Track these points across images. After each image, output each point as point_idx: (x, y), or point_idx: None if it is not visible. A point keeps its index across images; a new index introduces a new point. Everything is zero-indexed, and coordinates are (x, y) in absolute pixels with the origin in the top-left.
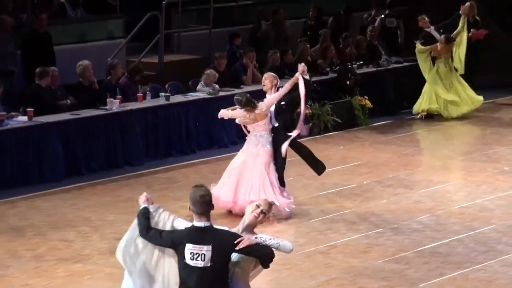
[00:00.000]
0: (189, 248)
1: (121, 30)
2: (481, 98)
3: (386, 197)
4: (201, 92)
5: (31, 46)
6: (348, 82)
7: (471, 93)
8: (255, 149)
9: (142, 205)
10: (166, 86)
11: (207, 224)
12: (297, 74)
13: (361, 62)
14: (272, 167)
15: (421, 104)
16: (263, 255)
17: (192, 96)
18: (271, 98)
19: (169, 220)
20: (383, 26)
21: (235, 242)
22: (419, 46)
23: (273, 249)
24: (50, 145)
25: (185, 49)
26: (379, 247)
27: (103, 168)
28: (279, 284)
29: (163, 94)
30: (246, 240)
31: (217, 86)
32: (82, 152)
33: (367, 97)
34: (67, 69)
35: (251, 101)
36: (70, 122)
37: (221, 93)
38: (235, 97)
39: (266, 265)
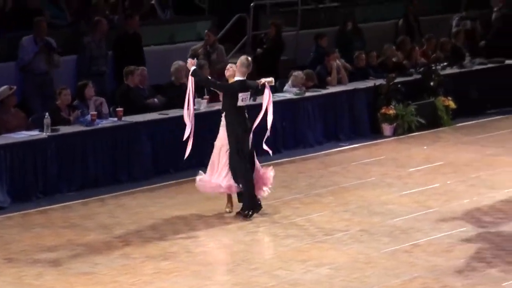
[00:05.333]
0: None
1: None
2: None
3: (469, 197)
4: (288, 93)
5: (122, 47)
6: (432, 83)
7: None
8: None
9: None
10: None
11: None
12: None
13: (445, 64)
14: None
15: None
16: None
17: (278, 96)
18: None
19: None
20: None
21: None
22: None
23: None
24: (139, 144)
25: None
26: (462, 246)
27: (191, 167)
28: (363, 282)
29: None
30: None
31: (303, 87)
32: (170, 151)
33: (450, 98)
34: (156, 70)
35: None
36: (159, 121)
37: (308, 94)
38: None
39: None
